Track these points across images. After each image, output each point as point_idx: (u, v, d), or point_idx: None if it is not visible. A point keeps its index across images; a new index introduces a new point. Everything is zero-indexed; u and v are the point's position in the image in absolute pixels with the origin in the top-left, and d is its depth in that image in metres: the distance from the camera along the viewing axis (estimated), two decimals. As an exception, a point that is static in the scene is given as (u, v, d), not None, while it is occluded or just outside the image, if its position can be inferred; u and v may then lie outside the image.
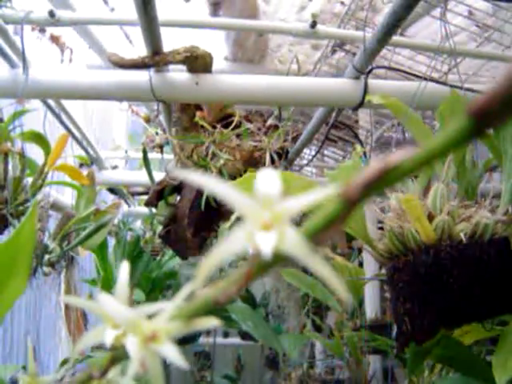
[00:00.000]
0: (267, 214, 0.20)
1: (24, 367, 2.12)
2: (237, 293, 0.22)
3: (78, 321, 2.41)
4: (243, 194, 0.21)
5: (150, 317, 0.24)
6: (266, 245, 0.20)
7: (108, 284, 2.86)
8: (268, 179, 0.21)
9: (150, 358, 0.23)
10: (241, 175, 1.65)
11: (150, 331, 0.23)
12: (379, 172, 0.19)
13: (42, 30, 1.98)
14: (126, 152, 3.06)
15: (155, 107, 2.63)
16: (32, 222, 0.54)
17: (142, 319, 0.23)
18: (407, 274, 0.81)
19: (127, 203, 3.15)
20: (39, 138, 1.54)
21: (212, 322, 0.23)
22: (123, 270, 0.28)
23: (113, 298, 0.25)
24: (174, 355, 0.23)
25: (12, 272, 0.52)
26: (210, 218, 1.93)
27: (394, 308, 0.87)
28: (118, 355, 0.26)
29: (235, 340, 4.56)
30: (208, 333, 4.46)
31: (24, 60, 1.37)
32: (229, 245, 0.21)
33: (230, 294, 0.22)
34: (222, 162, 1.65)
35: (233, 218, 1.34)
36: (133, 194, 2.95)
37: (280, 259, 0.20)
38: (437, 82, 1.50)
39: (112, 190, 2.98)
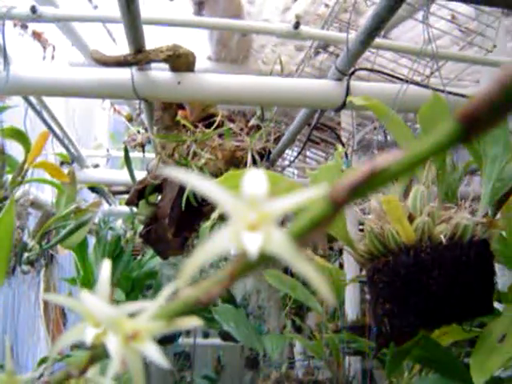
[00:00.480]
0: (253, 214, 0.20)
1: (2, 366, 2.10)
2: (220, 293, 0.22)
3: (57, 320, 2.39)
4: (229, 194, 0.21)
5: (132, 316, 0.24)
6: (253, 245, 0.20)
7: (88, 283, 2.85)
8: (254, 179, 0.21)
9: (131, 357, 0.22)
10: (222, 175, 1.64)
11: (132, 330, 0.22)
12: (367, 175, 0.19)
13: (24, 26, 1.96)
14: (108, 151, 3.05)
15: (137, 106, 2.62)
16: (10, 218, 0.54)
17: (123, 318, 0.23)
18: (387, 274, 0.82)
19: (108, 202, 3.14)
20: (19, 135, 1.53)
21: (193, 321, 0.23)
22: (104, 269, 0.28)
23: (94, 296, 0.25)
24: (155, 354, 0.23)
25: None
26: (191, 217, 1.92)
27: (373, 309, 0.87)
28: (98, 354, 0.26)
29: (215, 340, 4.55)
30: (188, 333, 4.46)
31: (5, 56, 1.36)
32: (213, 244, 0.21)
33: (214, 294, 0.21)
34: (203, 161, 1.64)
35: (213, 217, 1.34)
36: (114, 193, 2.94)
37: (265, 259, 0.20)
38: (419, 84, 1.51)
39: (93, 189, 2.96)
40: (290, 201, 0.20)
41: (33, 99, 1.81)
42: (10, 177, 1.59)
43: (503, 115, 0.18)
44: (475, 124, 0.18)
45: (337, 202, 0.19)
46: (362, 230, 0.92)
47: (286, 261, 0.20)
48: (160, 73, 1.48)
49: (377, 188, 0.20)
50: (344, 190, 0.19)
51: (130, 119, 2.88)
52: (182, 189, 1.83)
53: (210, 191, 0.21)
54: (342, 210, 0.20)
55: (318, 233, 0.20)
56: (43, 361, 2.05)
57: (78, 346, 2.18)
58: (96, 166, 2.87)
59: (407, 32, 1.91)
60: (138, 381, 0.23)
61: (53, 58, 2.07)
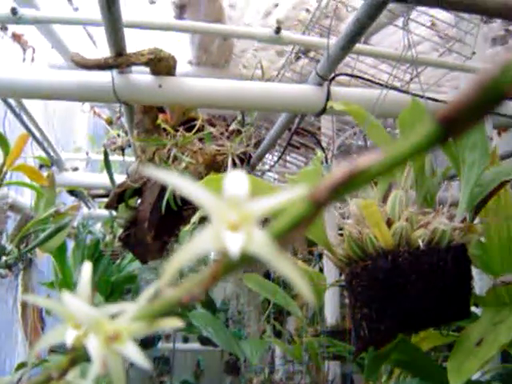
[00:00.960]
0: (235, 214, 0.20)
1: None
2: (202, 294, 0.22)
3: (35, 324, 2.37)
4: (211, 194, 0.21)
5: (112, 318, 0.24)
6: (234, 245, 0.20)
7: (67, 287, 2.83)
8: (236, 181, 0.21)
9: (112, 359, 0.22)
10: (202, 179, 1.64)
11: (113, 331, 0.22)
12: (347, 175, 0.19)
13: (4, 28, 1.95)
14: (88, 154, 3.03)
15: (117, 109, 2.61)
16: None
17: (104, 319, 0.23)
18: (365, 279, 0.82)
19: (87, 205, 3.12)
20: (-2, 138, 1.52)
21: (174, 322, 0.23)
22: (85, 271, 0.27)
23: (75, 297, 0.25)
24: (136, 356, 0.23)
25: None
26: (170, 221, 1.92)
27: (352, 313, 0.88)
28: (79, 356, 0.25)
29: (195, 345, 4.54)
30: (168, 338, 4.44)
31: (-16, 58, 1.35)
32: (195, 244, 0.21)
33: (195, 294, 0.21)
34: (184, 165, 1.64)
35: (193, 220, 1.34)
36: (93, 197, 2.92)
37: (247, 260, 0.20)
38: (398, 90, 1.52)
39: (72, 192, 2.95)
40: (271, 201, 0.21)
41: (12, 101, 1.79)
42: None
43: (480, 117, 0.18)
44: (454, 125, 0.19)
45: (317, 202, 0.20)
46: (341, 235, 0.92)
47: (266, 261, 0.20)
48: (141, 76, 1.48)
49: (356, 188, 0.20)
50: (324, 191, 0.20)
51: (109, 122, 2.87)
52: (161, 192, 1.82)
53: (191, 192, 0.21)
54: (323, 210, 0.20)
55: (298, 233, 0.20)
56: (21, 366, 2.03)
57: (55, 350, 2.17)
58: (75, 169, 2.85)
59: (387, 38, 1.92)
60: (119, 382, 0.23)
61: (32, 60, 2.06)
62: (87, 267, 0.27)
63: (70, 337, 0.24)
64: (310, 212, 0.20)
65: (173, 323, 0.22)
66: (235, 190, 0.21)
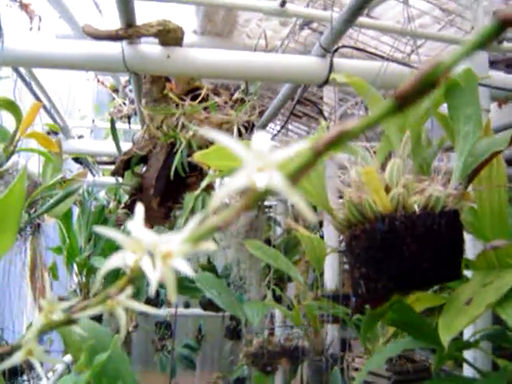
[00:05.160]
0: (260, 161, 0.26)
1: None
2: (235, 220, 0.29)
3: (43, 288, 2.44)
4: (244, 148, 0.28)
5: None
6: (261, 182, 0.28)
7: (72, 252, 2.89)
8: (261, 139, 0.29)
9: (166, 272, 0.29)
10: (207, 147, 1.69)
11: (167, 250, 0.29)
12: (337, 133, 0.28)
13: (13, -3, 1.98)
14: (94, 122, 3.07)
15: (121, 78, 2.64)
16: (22, 182, 0.59)
17: (161, 241, 0.29)
18: (364, 241, 0.88)
19: (92, 173, 3.17)
20: (11, 106, 1.56)
21: (211, 245, 0.30)
22: (138, 212, 0.33)
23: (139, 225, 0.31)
24: (185, 268, 0.29)
25: (3, 227, 0.57)
26: (175, 188, 1.97)
27: (351, 272, 0.94)
28: (135, 276, 0.32)
29: (196, 310, 4.60)
30: (169, 303, 4.51)
31: (0, 27, 1.39)
32: (233, 182, 0.28)
33: (230, 221, 0.28)
34: (191, 133, 1.69)
35: (201, 186, 1.39)
36: (99, 164, 2.97)
37: (268, 192, 0.28)
38: (399, 62, 1.56)
39: (77, 160, 2.99)
40: (285, 152, 0.28)
41: (22, 70, 1.83)
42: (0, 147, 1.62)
43: (421, 97, 0.27)
44: (404, 101, 0.28)
45: (317, 152, 0.28)
46: (341, 199, 0.98)
47: (281, 192, 0.27)
48: (150, 47, 1.52)
49: (345, 143, 0.29)
50: (322, 144, 0.28)
51: (114, 90, 2.91)
52: (167, 160, 1.87)
53: (230, 146, 0.28)
54: (321, 158, 0.29)
55: (303, 174, 0.29)
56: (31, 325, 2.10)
57: (63, 299, 2.23)
58: (80, 136, 2.90)
59: (390, 10, 1.95)
60: (171, 289, 0.29)
61: (39, 29, 2.09)
62: (140, 208, 0.33)
63: (130, 259, 0.31)
64: (312, 159, 0.28)
65: (209, 246, 0.29)
66: (261, 145, 0.28)
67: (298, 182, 0.28)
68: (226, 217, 0.29)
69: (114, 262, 0.31)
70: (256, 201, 0.28)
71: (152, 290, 0.28)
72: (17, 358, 0.36)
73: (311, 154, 0.28)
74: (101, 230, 0.32)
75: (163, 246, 0.30)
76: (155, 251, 0.30)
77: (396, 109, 0.28)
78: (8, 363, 0.36)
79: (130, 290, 0.34)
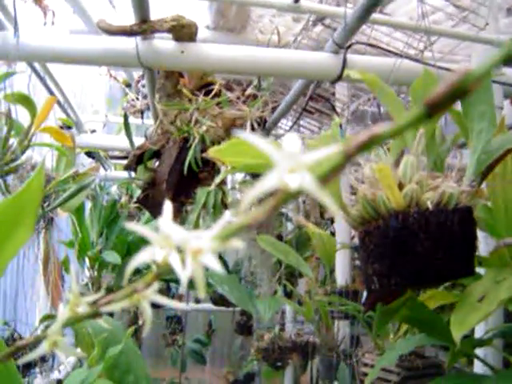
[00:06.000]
0: (291, 162, 0.27)
1: (5, 323, 2.18)
2: (265, 219, 0.30)
3: (56, 281, 2.46)
4: (276, 150, 0.29)
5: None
6: (293, 182, 0.28)
7: (84, 246, 2.91)
8: (291, 140, 0.29)
9: (196, 268, 0.29)
10: (219, 142, 1.70)
11: (197, 247, 0.30)
12: (367, 137, 0.28)
13: (27, -7, 1.99)
14: (107, 116, 3.08)
15: (134, 73, 2.65)
16: (40, 178, 0.60)
17: (191, 237, 0.30)
18: (377, 237, 0.88)
19: (104, 167, 3.18)
20: (26, 100, 1.57)
21: (239, 243, 0.30)
22: (166, 209, 0.34)
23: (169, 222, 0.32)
24: (215, 264, 0.30)
25: (20, 221, 0.58)
26: (187, 183, 1.98)
27: (364, 269, 0.94)
28: (162, 271, 0.32)
29: (207, 305, 4.61)
30: (180, 298, 4.53)
31: (16, 22, 1.40)
32: (265, 182, 0.29)
33: (260, 219, 0.29)
34: (204, 128, 1.69)
35: (215, 182, 1.40)
36: (112, 158, 2.98)
37: (299, 193, 0.29)
38: (412, 59, 1.56)
39: (89, 154, 3.00)
40: (316, 154, 0.29)
41: (36, 65, 1.85)
42: (15, 141, 1.64)
43: (452, 103, 0.28)
44: (435, 108, 0.28)
45: (348, 155, 0.29)
46: (355, 195, 0.98)
47: (312, 193, 0.28)
48: (164, 42, 1.52)
49: (374, 147, 0.30)
50: (354, 147, 0.29)
51: (127, 85, 2.92)
52: (179, 155, 1.88)
53: (264, 147, 0.29)
54: (351, 161, 0.29)
55: (334, 176, 0.29)
56: (46, 317, 2.12)
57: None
58: (93, 131, 2.91)
59: (403, 6, 1.95)
60: (201, 286, 0.30)
61: (52, 23, 2.10)
62: (168, 206, 0.34)
63: (159, 254, 0.31)
64: (343, 162, 0.29)
65: (238, 244, 0.30)
66: (291, 147, 0.29)
67: (328, 183, 0.29)
68: (255, 215, 0.29)
69: (142, 257, 0.32)
70: (286, 201, 0.29)
71: (182, 287, 0.29)
72: (42, 350, 0.37)
73: (342, 156, 0.29)
74: (131, 226, 0.32)
75: (193, 242, 0.30)
76: (185, 247, 0.30)
77: (425, 116, 0.28)
78: (33, 354, 0.37)
79: (156, 286, 0.34)
